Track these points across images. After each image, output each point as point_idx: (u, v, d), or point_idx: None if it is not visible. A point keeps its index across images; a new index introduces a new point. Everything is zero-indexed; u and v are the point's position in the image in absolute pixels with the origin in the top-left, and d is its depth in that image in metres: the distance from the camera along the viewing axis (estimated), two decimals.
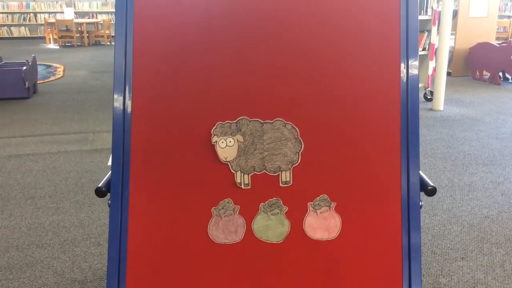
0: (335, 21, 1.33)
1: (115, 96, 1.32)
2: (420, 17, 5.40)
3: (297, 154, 1.31)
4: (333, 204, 1.31)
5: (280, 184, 1.31)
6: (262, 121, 1.31)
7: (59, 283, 2.15)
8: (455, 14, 6.75)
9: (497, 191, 3.13)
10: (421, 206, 1.32)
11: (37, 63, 6.36)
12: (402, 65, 1.33)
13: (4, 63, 6.12)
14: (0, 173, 3.46)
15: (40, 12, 13.15)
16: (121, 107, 1.31)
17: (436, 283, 2.13)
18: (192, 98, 1.32)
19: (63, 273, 2.23)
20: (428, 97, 5.58)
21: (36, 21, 13.20)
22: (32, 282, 2.16)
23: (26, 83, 5.65)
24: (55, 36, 11.80)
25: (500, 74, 6.90)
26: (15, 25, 13.18)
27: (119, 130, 1.31)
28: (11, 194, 3.11)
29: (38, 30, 13.23)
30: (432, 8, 5.40)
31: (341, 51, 1.33)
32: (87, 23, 12.19)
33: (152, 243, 1.30)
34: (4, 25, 13.11)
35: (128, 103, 1.31)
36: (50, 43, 11.99)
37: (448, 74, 6.55)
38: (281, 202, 1.31)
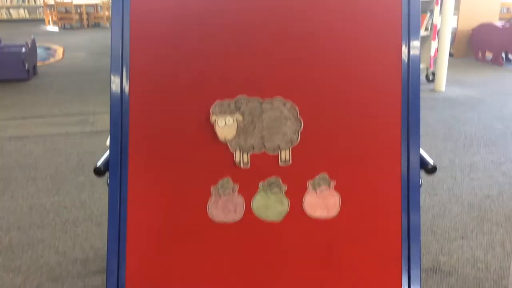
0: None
1: (112, 75, 1.30)
2: None
3: (297, 133, 1.30)
4: (333, 183, 1.31)
5: (280, 163, 1.31)
6: (262, 100, 1.30)
7: (60, 262, 2.17)
8: None
9: (498, 171, 3.12)
10: (421, 185, 1.32)
11: (37, 45, 6.32)
12: (404, 45, 1.31)
13: (4, 45, 6.08)
14: (1, 155, 3.47)
15: None
16: (119, 86, 1.30)
17: (436, 262, 2.15)
18: (190, 76, 1.31)
19: (65, 252, 2.24)
20: (430, 78, 5.54)
21: (35, 3, 13.07)
22: (34, 262, 2.18)
23: (26, 65, 5.62)
24: (54, 18, 11.70)
25: (503, 55, 6.84)
26: (14, 7, 13.06)
27: (116, 109, 1.30)
28: (12, 175, 3.12)
29: (37, 12, 13.12)
30: None
31: (341, 30, 1.31)
32: (87, 5, 12.06)
33: (151, 221, 1.30)
34: (3, 7, 13.00)
35: (125, 81, 1.30)
36: (49, 25, 11.89)
37: (450, 55, 6.49)
38: (281, 181, 1.30)
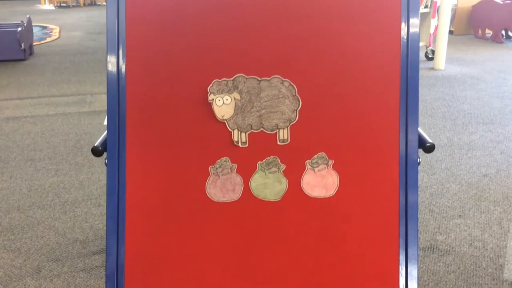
0: None
1: (109, 55, 1.29)
2: None
3: (295, 111, 1.29)
4: (331, 162, 1.31)
5: (278, 142, 1.30)
6: (259, 78, 1.29)
7: (60, 243, 2.18)
8: None
9: (496, 149, 3.13)
10: (419, 163, 1.31)
11: (32, 24, 6.25)
12: (403, 23, 1.29)
13: None
14: None
15: None
16: (115, 65, 1.29)
17: (433, 240, 2.16)
18: (188, 55, 1.29)
19: (65, 233, 2.26)
20: (430, 56, 5.50)
21: None
22: (34, 242, 2.19)
23: (22, 45, 5.56)
24: None
25: (503, 32, 6.79)
26: None
27: (113, 89, 1.29)
28: (10, 156, 3.11)
29: None
30: None
31: (339, 7, 1.29)
32: None
33: (150, 201, 1.30)
34: None
35: (122, 61, 1.29)
36: (45, 3, 11.75)
37: (450, 32, 6.44)
38: (279, 160, 1.30)
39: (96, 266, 2.01)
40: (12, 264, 2.04)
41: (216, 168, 1.30)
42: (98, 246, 2.15)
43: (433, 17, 5.33)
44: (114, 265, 1.30)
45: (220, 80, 1.28)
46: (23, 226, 2.32)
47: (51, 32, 7.76)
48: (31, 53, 5.99)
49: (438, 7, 5.15)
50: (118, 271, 1.31)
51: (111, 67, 1.29)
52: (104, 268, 1.91)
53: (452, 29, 7.00)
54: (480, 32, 6.95)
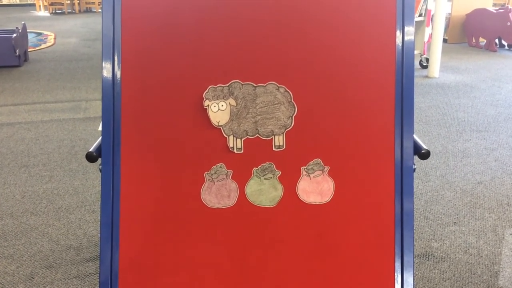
0: None
1: (104, 61, 1.28)
2: None
3: (290, 118, 1.29)
4: (327, 168, 1.31)
5: (273, 149, 1.30)
6: (255, 85, 1.29)
7: (54, 249, 2.16)
8: None
9: (490, 157, 3.14)
10: (414, 170, 1.32)
11: (27, 30, 6.24)
12: (398, 31, 1.30)
13: None
14: None
15: None
16: (110, 72, 1.28)
17: (428, 247, 2.16)
18: (183, 61, 1.29)
19: (58, 240, 2.24)
20: (424, 64, 5.54)
21: None
22: (27, 249, 2.17)
23: (17, 51, 5.55)
24: (45, 3, 11.56)
25: (496, 41, 6.84)
26: None
27: (108, 95, 1.28)
28: (4, 162, 3.10)
29: None
30: None
31: (335, 15, 1.30)
32: None
33: (144, 207, 1.30)
34: None
35: (117, 67, 1.29)
36: (40, 10, 11.74)
37: (444, 41, 6.49)
38: (274, 167, 1.30)
39: (89, 273, 2.00)
40: (5, 271, 2.02)
41: (212, 174, 1.30)
42: (92, 253, 2.13)
43: (427, 25, 5.36)
44: (108, 272, 1.29)
45: (215, 86, 1.28)
46: (16, 233, 2.30)
47: (46, 38, 7.75)
48: (26, 60, 5.97)
49: (432, 15, 5.19)
50: (112, 278, 1.30)
51: (106, 72, 1.29)
52: (98, 275, 1.89)
53: (446, 38, 7.05)
54: (474, 40, 7.00)
